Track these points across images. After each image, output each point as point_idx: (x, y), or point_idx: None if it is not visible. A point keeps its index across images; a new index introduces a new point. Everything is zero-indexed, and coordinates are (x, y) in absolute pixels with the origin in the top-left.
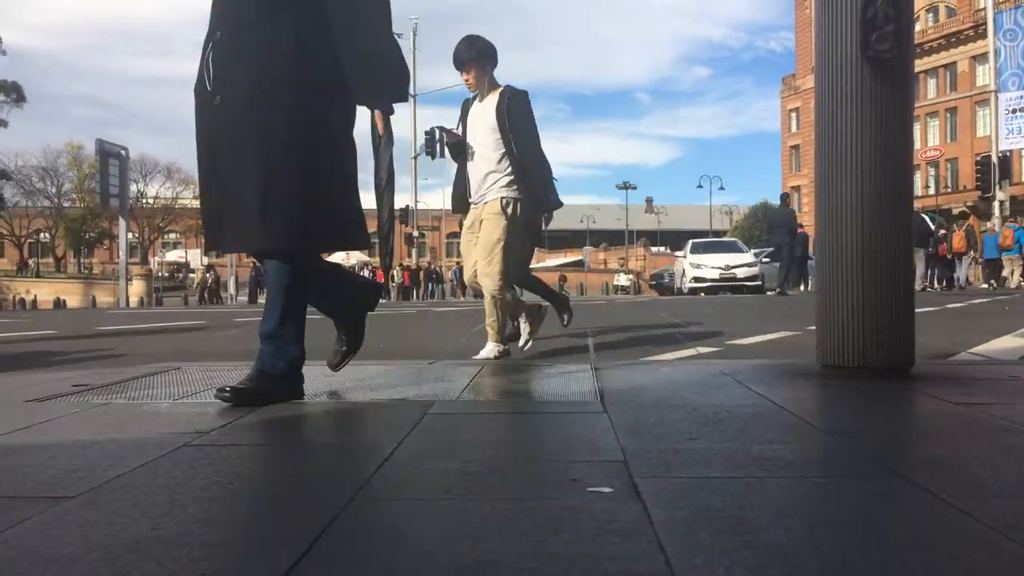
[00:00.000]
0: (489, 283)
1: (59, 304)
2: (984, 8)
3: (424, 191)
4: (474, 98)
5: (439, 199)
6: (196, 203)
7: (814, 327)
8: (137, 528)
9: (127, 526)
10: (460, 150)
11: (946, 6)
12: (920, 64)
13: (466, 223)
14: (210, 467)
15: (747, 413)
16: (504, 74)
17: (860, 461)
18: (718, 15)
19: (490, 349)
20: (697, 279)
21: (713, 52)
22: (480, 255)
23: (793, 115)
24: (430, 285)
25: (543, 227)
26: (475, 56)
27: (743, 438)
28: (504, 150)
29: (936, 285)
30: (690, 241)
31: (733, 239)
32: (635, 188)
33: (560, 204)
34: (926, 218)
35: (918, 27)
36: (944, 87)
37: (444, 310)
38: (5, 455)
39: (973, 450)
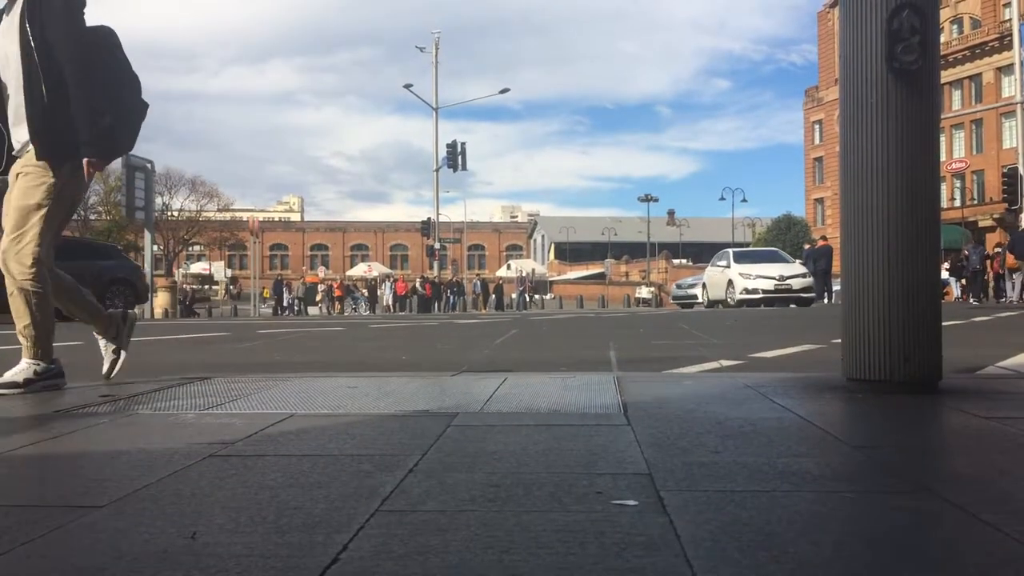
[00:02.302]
0: (17, 268)
1: None
2: (1009, 19)
3: (445, 204)
4: (2, 10)
5: (460, 211)
6: (220, 215)
7: (838, 340)
8: (165, 537)
9: (155, 535)
10: None
11: (970, 17)
12: (945, 76)
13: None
14: (236, 477)
15: (772, 426)
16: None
17: (888, 475)
18: (739, 28)
19: (21, 369)
20: (749, 290)
21: (734, 65)
22: (7, 227)
23: (816, 127)
24: (451, 297)
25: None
26: None
27: (768, 452)
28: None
29: (972, 299)
30: (730, 250)
31: (774, 248)
32: (656, 200)
33: (112, 150)
34: None
35: (942, 38)
36: (969, 98)
37: (466, 322)
38: (34, 465)
39: (1002, 465)
